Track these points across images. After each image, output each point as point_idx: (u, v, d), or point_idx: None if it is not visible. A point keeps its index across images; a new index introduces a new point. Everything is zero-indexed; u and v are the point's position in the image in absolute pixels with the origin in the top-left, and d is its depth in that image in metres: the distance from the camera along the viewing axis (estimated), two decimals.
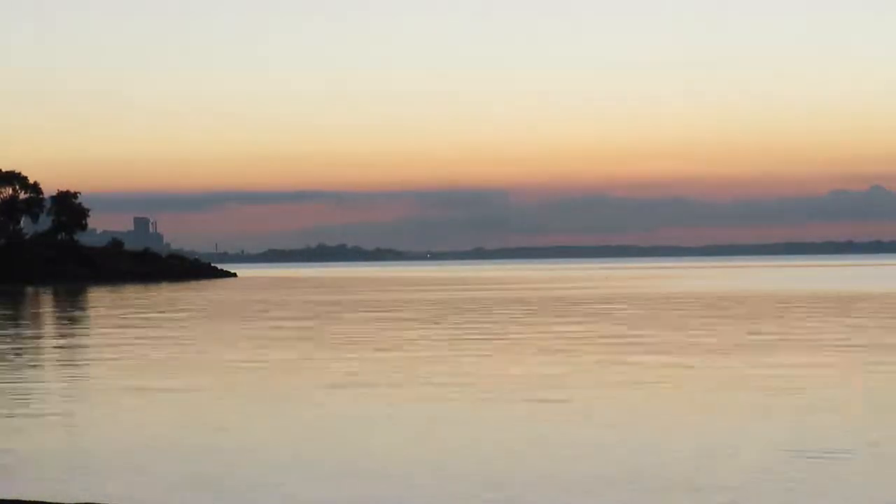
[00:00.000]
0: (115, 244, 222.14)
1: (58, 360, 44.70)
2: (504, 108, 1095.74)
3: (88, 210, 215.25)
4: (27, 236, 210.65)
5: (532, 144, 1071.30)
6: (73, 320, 75.95)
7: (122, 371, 38.93)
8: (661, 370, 36.42)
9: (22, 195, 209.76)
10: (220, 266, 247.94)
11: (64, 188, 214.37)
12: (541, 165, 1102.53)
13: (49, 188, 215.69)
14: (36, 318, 78.99)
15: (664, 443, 22.68)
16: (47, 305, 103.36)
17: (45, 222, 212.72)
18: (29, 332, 62.32)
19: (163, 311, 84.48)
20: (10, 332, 62.57)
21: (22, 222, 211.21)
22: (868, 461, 20.57)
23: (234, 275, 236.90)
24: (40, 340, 56.12)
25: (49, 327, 68.05)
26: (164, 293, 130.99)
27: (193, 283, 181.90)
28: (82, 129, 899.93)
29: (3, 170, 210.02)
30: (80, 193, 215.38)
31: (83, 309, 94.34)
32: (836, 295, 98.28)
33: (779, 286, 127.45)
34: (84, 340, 55.43)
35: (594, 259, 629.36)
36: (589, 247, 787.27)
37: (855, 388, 31.66)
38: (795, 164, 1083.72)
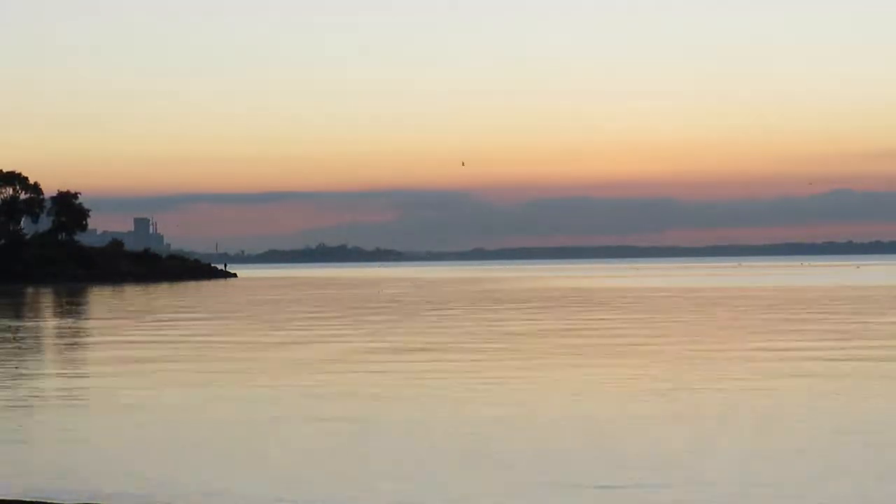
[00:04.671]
0: (115, 244, 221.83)
1: (57, 361, 44.53)
2: (504, 108, 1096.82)
3: (88, 210, 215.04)
4: (27, 236, 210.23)
5: (533, 145, 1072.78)
6: (73, 321, 75.75)
7: (123, 371, 38.78)
8: None
9: (22, 195, 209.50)
10: (219, 266, 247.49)
11: (64, 188, 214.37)
12: (541, 166, 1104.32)
13: (49, 188, 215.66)
14: (35, 319, 78.76)
15: None
16: (47, 306, 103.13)
17: (45, 222, 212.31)
18: (28, 333, 62.15)
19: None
20: (10, 332, 62.40)
21: (22, 222, 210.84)
22: None
23: (235, 275, 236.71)
24: (40, 340, 55.93)
25: (48, 327, 67.87)
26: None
27: (193, 284, 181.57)
28: (82, 129, 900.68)
29: (3, 170, 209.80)
30: (80, 193, 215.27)
31: (84, 309, 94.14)
32: None
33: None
34: (83, 340, 55.27)
35: (607, 260, 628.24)
36: (590, 247, 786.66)
37: None
38: (796, 164, 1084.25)
